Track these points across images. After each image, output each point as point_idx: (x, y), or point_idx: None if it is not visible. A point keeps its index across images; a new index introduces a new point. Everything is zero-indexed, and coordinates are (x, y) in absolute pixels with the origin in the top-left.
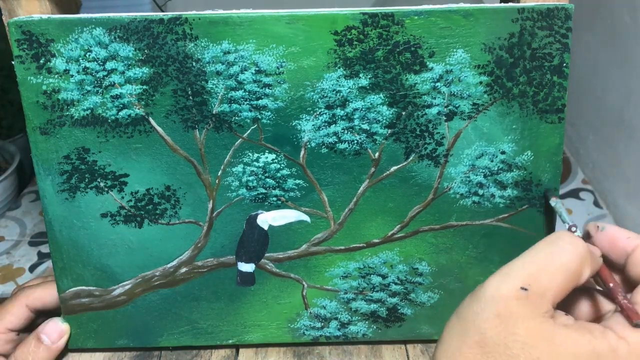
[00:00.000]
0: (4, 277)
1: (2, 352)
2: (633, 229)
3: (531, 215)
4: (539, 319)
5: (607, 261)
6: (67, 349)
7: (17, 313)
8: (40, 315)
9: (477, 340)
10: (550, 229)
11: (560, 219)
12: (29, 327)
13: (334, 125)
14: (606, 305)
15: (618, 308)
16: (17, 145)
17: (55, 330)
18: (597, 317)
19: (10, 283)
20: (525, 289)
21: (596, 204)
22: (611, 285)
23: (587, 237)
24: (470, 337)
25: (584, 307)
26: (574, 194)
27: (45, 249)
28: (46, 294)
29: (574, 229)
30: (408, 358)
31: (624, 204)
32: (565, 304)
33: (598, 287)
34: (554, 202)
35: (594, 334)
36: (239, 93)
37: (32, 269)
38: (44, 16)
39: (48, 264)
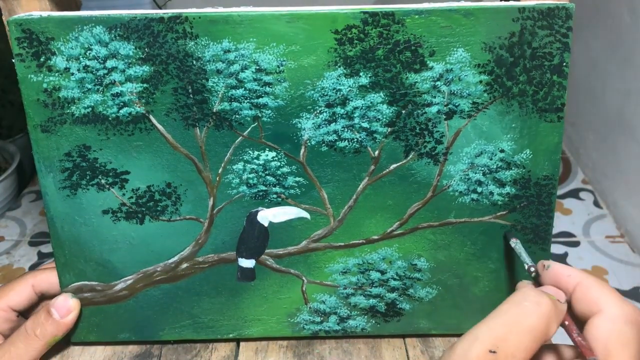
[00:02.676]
0: (4, 277)
1: (0, 330)
2: (633, 229)
3: (529, 213)
4: None
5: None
6: (69, 343)
7: (21, 291)
8: (44, 300)
9: None
10: (547, 229)
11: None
12: (30, 311)
13: (334, 123)
14: (567, 352)
15: (579, 354)
16: (17, 145)
17: (64, 306)
18: None
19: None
20: (494, 352)
21: (596, 204)
22: (566, 323)
23: (538, 275)
24: None
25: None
26: (574, 194)
27: (45, 248)
28: (53, 275)
29: (532, 269)
30: (408, 358)
31: (624, 204)
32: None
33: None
34: (513, 243)
35: None
36: (240, 91)
37: (32, 269)
38: (44, 14)
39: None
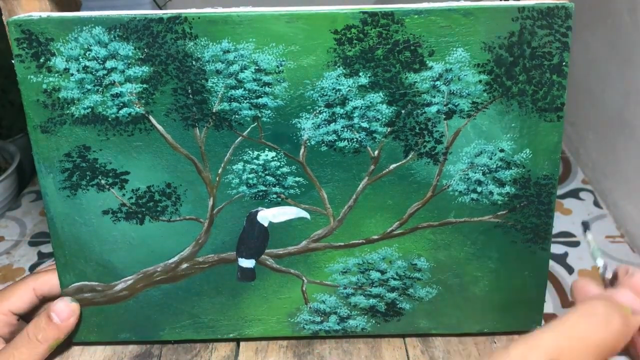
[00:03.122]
0: (4, 277)
1: (0, 334)
2: (633, 229)
3: (529, 212)
4: None
5: None
6: (70, 343)
7: (22, 295)
8: (45, 302)
9: None
10: (547, 229)
11: (592, 254)
12: (31, 314)
13: (333, 123)
14: None
15: None
16: (17, 145)
17: (65, 309)
18: None
19: (10, 283)
20: None
21: (596, 204)
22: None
23: (614, 278)
24: None
25: None
26: (574, 194)
27: (45, 248)
28: (54, 277)
29: (601, 269)
30: (408, 358)
31: (624, 204)
32: None
33: None
34: (589, 236)
35: None
36: (239, 92)
37: (32, 269)
38: (44, 15)
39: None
